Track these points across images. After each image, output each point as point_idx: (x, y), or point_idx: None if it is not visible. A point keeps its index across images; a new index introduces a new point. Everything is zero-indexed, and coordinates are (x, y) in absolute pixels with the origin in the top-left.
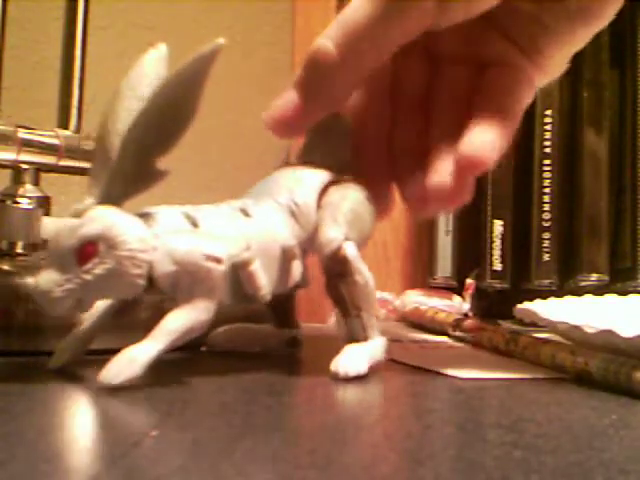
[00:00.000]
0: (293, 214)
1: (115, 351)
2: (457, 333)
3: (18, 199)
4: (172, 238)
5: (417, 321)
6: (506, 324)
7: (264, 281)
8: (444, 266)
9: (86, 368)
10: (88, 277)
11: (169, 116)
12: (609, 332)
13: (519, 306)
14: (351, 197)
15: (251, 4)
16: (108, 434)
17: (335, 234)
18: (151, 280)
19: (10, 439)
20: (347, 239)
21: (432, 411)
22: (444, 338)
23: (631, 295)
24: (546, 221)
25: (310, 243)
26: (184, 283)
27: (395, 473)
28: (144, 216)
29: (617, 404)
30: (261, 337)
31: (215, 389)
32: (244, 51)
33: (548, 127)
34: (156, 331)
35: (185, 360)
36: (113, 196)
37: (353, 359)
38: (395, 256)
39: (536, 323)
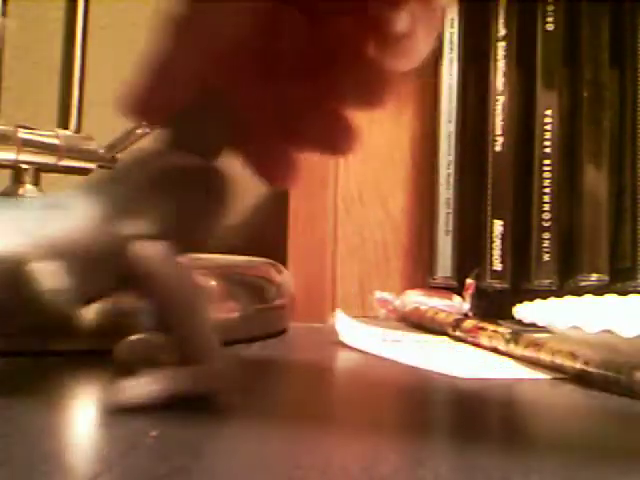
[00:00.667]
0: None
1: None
2: (457, 333)
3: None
4: None
5: (417, 321)
6: (506, 324)
7: (62, 283)
8: (444, 266)
9: (86, 368)
10: None
11: None
12: (609, 332)
13: (519, 306)
14: (180, 187)
15: None
16: (108, 434)
17: (124, 229)
18: None
19: (10, 439)
20: (148, 237)
21: (432, 411)
22: (444, 338)
23: (631, 295)
24: (546, 221)
25: None
26: None
27: (395, 473)
28: None
29: (617, 404)
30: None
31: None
32: None
33: (548, 127)
34: None
35: None
36: None
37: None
38: (395, 256)
39: (536, 323)
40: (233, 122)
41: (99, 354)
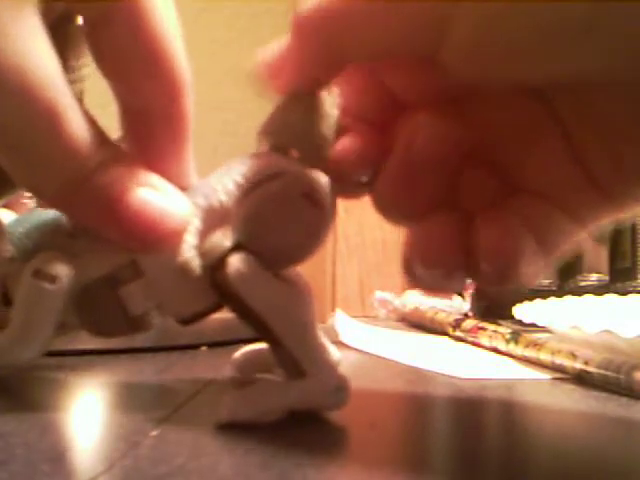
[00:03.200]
0: (210, 218)
1: (112, 351)
2: (457, 333)
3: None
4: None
5: (417, 321)
6: (506, 324)
7: (151, 302)
8: None
9: (86, 368)
10: None
11: None
12: (609, 332)
13: (519, 306)
14: (267, 195)
15: (251, 4)
16: (108, 434)
17: (219, 240)
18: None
19: (10, 439)
20: (236, 249)
21: (432, 411)
22: (444, 338)
23: (631, 295)
24: None
25: None
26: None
27: (395, 473)
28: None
29: (617, 404)
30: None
31: (215, 389)
32: (243, 51)
33: None
34: None
35: (185, 360)
36: None
37: (250, 401)
38: (395, 256)
39: (536, 323)
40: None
41: (99, 354)
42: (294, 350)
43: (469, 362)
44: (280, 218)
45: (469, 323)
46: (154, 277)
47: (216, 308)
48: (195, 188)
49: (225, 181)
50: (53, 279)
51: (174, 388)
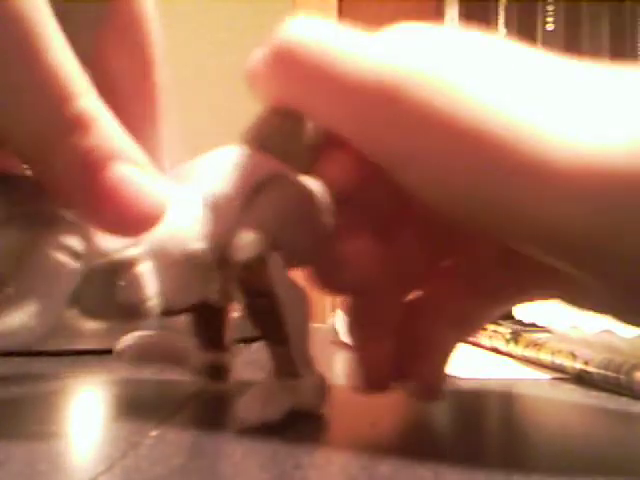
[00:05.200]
0: (211, 209)
1: (112, 351)
2: None
3: None
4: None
5: None
6: (506, 324)
7: (152, 290)
8: None
9: (85, 368)
10: None
11: None
12: (609, 332)
13: (519, 306)
14: (295, 195)
15: (251, 4)
16: (108, 434)
17: (253, 237)
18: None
19: (9, 439)
20: (272, 248)
21: (432, 411)
22: None
23: None
24: None
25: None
26: (24, 273)
27: (395, 473)
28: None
29: (617, 404)
30: (178, 356)
31: (215, 389)
32: (243, 51)
33: None
34: None
35: None
36: None
37: (260, 402)
38: None
39: (536, 323)
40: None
41: (99, 354)
42: (295, 350)
43: (469, 362)
44: (300, 217)
45: None
46: (156, 264)
47: (206, 303)
48: (181, 174)
49: (227, 174)
50: (77, 256)
51: (174, 388)
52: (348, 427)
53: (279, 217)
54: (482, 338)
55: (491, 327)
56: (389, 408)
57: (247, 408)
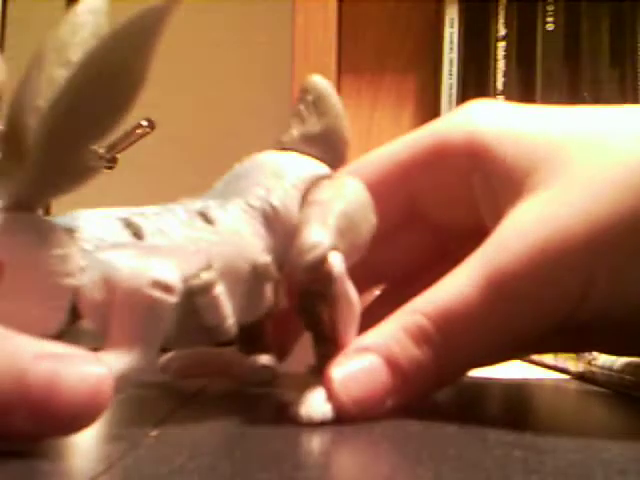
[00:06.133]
0: (268, 220)
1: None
2: None
3: None
4: (107, 256)
5: None
6: None
7: (229, 309)
8: None
9: None
10: None
11: (107, 88)
12: None
13: None
14: (348, 196)
15: (251, 4)
16: (108, 434)
17: (320, 239)
18: (75, 311)
19: (10, 439)
20: (335, 249)
21: (432, 411)
22: None
23: None
24: None
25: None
26: (119, 318)
27: (395, 473)
28: (66, 224)
29: (618, 404)
30: (223, 364)
31: (215, 389)
32: (243, 50)
33: None
34: None
35: None
36: (26, 198)
37: (320, 400)
38: None
39: None
40: None
41: None
42: (337, 347)
43: None
44: (360, 216)
45: None
46: (227, 284)
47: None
48: (226, 187)
49: (269, 185)
50: (170, 290)
51: (174, 388)
52: (348, 427)
53: (342, 217)
54: None
55: None
56: (389, 408)
57: (309, 405)
